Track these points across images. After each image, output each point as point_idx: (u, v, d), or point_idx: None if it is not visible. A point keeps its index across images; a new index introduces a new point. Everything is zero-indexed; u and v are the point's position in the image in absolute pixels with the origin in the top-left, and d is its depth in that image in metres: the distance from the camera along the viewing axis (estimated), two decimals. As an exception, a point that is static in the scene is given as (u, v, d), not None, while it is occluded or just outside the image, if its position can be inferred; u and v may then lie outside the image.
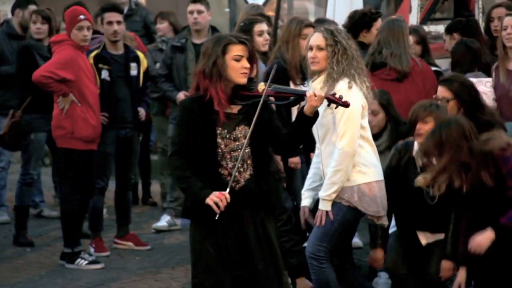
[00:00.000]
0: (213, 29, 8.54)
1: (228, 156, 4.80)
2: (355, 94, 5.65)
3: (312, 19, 9.99)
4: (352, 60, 5.71)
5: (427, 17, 9.27)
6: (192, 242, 4.93)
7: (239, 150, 4.78)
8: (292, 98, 4.78)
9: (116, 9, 7.92)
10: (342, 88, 5.62)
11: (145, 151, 9.88)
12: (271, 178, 4.93)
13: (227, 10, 13.95)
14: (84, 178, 7.51)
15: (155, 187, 9.95)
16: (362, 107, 5.70)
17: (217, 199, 4.69)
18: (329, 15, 9.25)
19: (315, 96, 4.69)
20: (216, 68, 4.74)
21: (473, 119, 5.92)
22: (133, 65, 7.94)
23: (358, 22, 7.43)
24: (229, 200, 4.72)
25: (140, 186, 9.92)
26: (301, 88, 6.60)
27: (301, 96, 4.76)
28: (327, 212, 5.70)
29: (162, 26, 9.53)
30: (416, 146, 6.07)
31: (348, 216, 5.74)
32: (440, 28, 9.05)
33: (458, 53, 7.10)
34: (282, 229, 6.38)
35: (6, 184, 9.05)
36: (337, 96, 4.76)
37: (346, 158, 5.64)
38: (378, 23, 7.30)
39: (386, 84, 6.89)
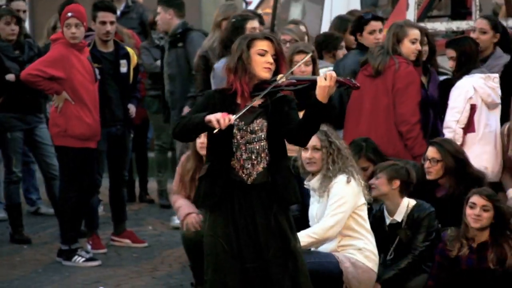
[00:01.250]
0: (184, 24, 8.59)
1: (243, 148, 4.82)
2: (353, 188, 5.92)
3: (309, 16, 10.02)
4: (347, 160, 5.98)
5: (424, 15, 9.26)
6: (205, 236, 4.94)
7: (255, 143, 4.80)
8: (305, 84, 4.75)
9: (111, 8, 7.89)
10: (341, 181, 5.90)
11: (143, 149, 9.87)
12: (286, 171, 4.91)
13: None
14: (81, 176, 7.51)
15: (152, 185, 9.95)
16: (358, 205, 5.93)
17: (220, 117, 4.66)
18: (326, 13, 9.25)
19: (326, 77, 4.64)
20: (241, 62, 4.79)
21: (458, 178, 6.31)
22: (123, 62, 7.93)
23: (353, 25, 7.63)
24: (232, 121, 4.67)
25: (137, 184, 9.91)
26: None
27: (314, 83, 4.71)
28: None
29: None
30: (385, 209, 6.28)
31: (330, 267, 5.85)
32: (437, 25, 9.04)
33: (471, 48, 7.14)
34: None
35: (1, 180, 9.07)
36: (348, 79, 4.76)
37: (324, 234, 5.87)
38: (370, 27, 7.40)
39: (366, 80, 7.02)
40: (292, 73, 4.88)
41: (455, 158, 6.41)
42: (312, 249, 6.00)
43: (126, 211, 8.31)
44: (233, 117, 4.68)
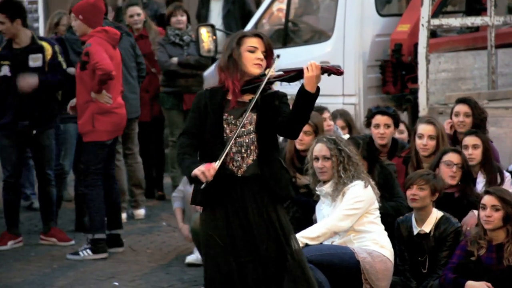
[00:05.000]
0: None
1: (233, 142, 4.81)
2: (369, 192, 6.02)
3: (322, 13, 9.99)
4: (358, 166, 6.05)
5: (438, 10, 9.23)
6: (202, 234, 4.95)
7: (244, 136, 4.82)
8: (292, 74, 4.80)
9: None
10: (359, 184, 6.00)
11: (159, 145, 9.88)
12: (276, 165, 4.90)
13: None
14: None
15: (167, 180, 9.97)
16: (372, 208, 6.03)
17: (205, 168, 4.71)
18: (340, 8, 9.22)
19: (311, 65, 4.69)
20: (232, 59, 4.83)
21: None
22: (35, 56, 7.88)
23: (365, 117, 7.62)
24: (215, 170, 4.70)
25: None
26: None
27: (301, 72, 4.78)
28: None
29: (184, 19, 9.55)
30: (414, 219, 6.25)
31: (346, 258, 5.89)
32: (451, 21, 9.02)
33: None
34: None
35: None
36: (333, 66, 4.78)
37: (335, 224, 5.95)
38: (375, 120, 7.30)
39: None
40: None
41: None
42: (325, 243, 6.02)
43: (55, 210, 8.24)
44: (216, 164, 4.71)
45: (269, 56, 4.88)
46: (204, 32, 9.42)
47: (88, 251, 7.65)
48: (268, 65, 4.86)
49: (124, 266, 7.47)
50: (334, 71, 4.76)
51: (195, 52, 9.46)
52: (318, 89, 4.74)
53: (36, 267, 7.50)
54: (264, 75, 4.81)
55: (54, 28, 9.02)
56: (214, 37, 9.44)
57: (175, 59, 9.33)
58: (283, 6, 9.67)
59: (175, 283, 7.02)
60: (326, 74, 4.79)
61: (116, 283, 7.03)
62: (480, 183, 6.74)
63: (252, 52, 4.83)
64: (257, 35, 4.88)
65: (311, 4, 10.19)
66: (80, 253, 7.65)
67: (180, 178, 9.57)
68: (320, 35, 9.62)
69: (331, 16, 9.40)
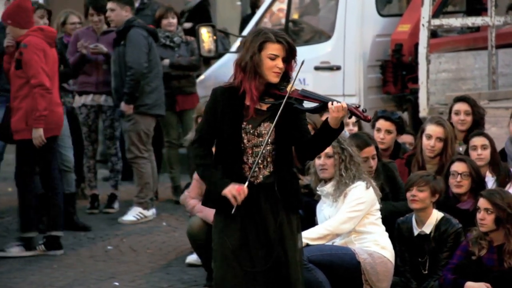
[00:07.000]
0: (128, 21, 8.77)
1: (250, 152, 4.79)
2: (371, 193, 6.01)
3: (323, 13, 10.00)
4: (359, 166, 6.04)
5: (439, 10, 9.24)
6: (213, 235, 4.92)
7: (261, 146, 4.78)
8: (316, 105, 4.77)
9: None
10: (360, 185, 5.99)
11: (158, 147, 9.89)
12: (291, 177, 4.89)
13: (238, 3, 13.95)
14: None
15: (166, 181, 9.98)
16: (373, 209, 6.02)
17: (236, 192, 4.70)
18: (340, 8, 9.23)
19: (338, 107, 4.68)
20: (252, 63, 4.77)
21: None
22: None
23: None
24: (246, 194, 4.72)
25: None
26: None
27: (326, 104, 4.74)
28: None
29: (175, 21, 9.57)
30: (414, 220, 6.26)
31: (347, 259, 5.88)
32: (452, 21, 9.02)
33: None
34: None
35: None
36: (360, 109, 4.75)
37: (337, 227, 5.95)
38: (378, 124, 7.27)
39: None
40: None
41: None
42: (327, 243, 6.01)
43: None
44: (245, 186, 4.72)
45: (290, 60, 4.82)
46: (205, 32, 9.43)
47: (43, 246, 7.73)
48: (290, 69, 4.82)
49: (124, 266, 7.48)
50: (361, 117, 4.73)
51: (186, 53, 9.51)
52: (342, 124, 4.74)
53: (36, 267, 7.50)
54: (283, 88, 4.77)
55: (61, 27, 9.06)
56: (214, 37, 9.45)
57: (166, 61, 9.35)
58: (284, 6, 9.67)
59: (175, 283, 7.02)
60: (353, 117, 4.77)
61: (117, 283, 7.03)
62: (490, 182, 6.71)
63: (272, 59, 4.76)
64: (279, 41, 4.78)
65: (311, 4, 10.19)
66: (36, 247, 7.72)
67: (179, 178, 9.60)
68: (320, 35, 9.63)
69: (331, 16, 9.41)
